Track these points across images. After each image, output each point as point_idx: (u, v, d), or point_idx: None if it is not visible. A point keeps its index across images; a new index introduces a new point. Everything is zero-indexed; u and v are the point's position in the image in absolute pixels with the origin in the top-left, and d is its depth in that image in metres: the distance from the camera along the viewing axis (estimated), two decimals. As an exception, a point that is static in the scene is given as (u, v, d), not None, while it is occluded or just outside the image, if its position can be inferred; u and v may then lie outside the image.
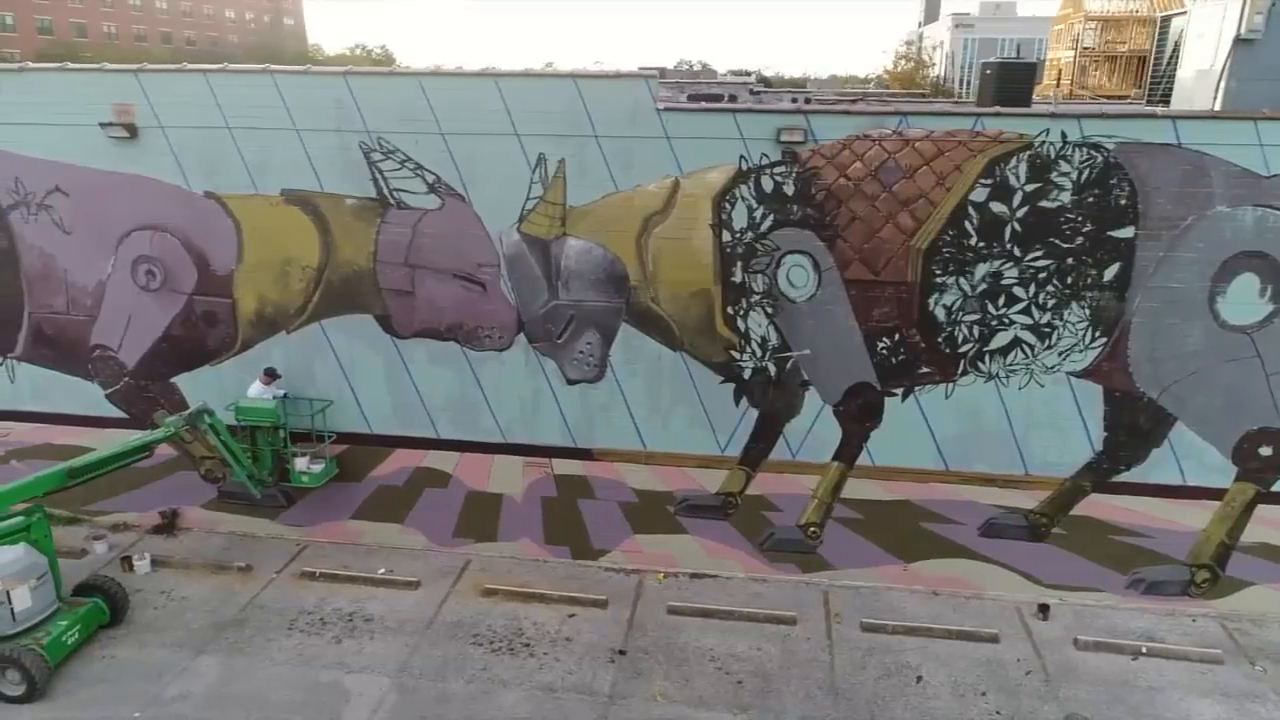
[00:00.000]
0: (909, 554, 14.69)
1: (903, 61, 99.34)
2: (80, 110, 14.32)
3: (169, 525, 16.38)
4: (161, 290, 15.11)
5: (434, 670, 12.82)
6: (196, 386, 15.53)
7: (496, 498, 15.47)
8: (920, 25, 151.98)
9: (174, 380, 15.61)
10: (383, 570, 15.19)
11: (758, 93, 29.26)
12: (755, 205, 13.40)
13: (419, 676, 12.69)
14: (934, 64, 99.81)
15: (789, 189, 13.27)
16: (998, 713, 12.11)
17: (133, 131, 14.27)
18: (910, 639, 13.62)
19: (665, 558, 15.28)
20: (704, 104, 14.18)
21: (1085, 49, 75.04)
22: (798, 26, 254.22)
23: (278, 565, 15.42)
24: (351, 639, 13.51)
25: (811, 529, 14.79)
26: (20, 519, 12.56)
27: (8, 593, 12.18)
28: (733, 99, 26.14)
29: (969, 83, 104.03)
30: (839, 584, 14.89)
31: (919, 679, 12.74)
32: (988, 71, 19.79)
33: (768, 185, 13.30)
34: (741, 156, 13.24)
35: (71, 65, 14.59)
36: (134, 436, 13.62)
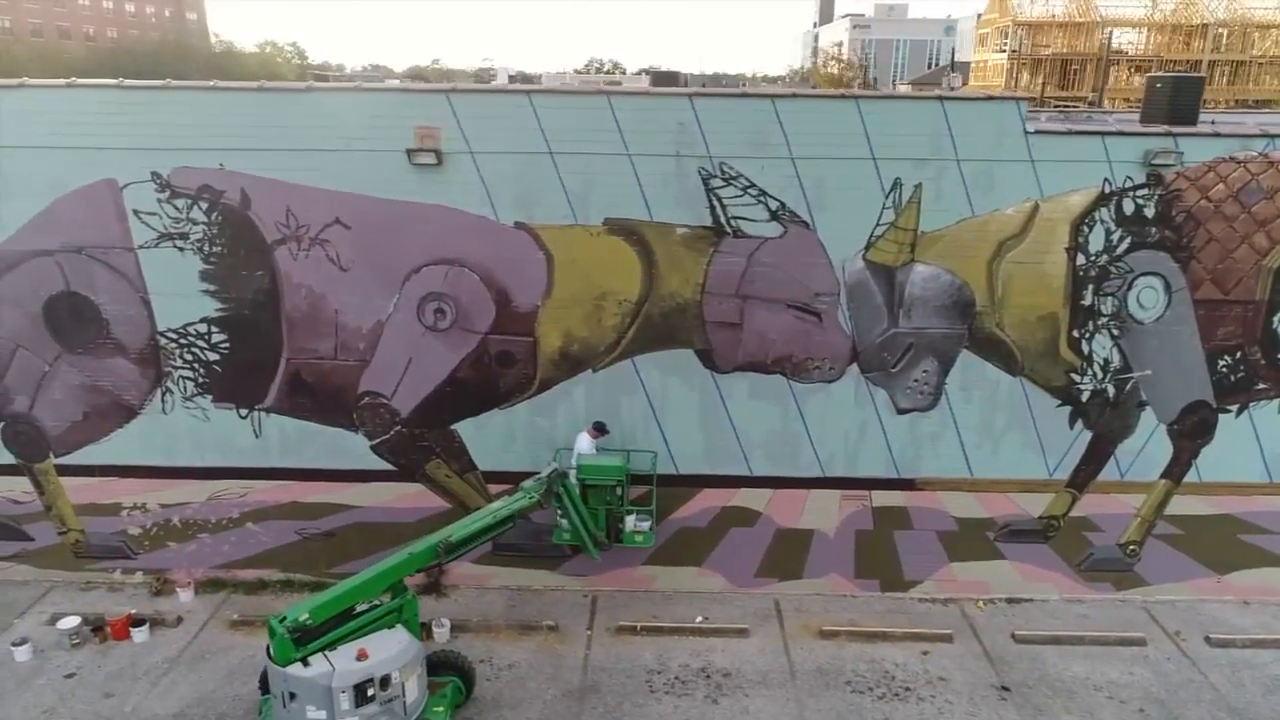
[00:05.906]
0: (1223, 566, 14.93)
1: (834, 62, 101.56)
2: (372, 133, 12.89)
3: (435, 584, 14.97)
4: (451, 330, 13.77)
5: (839, 725, 12.19)
6: (481, 433, 14.27)
7: (807, 534, 14.83)
8: (816, 25, 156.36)
9: (454, 427, 14.29)
10: (700, 619, 14.34)
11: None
12: (1114, 228, 13.29)
13: (829, 733, 12.04)
14: (864, 64, 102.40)
15: (1149, 211, 13.22)
16: (1396, 720, 12.46)
17: (440, 158, 12.92)
18: (1263, 651, 13.83)
19: (979, 584, 15.02)
20: (1073, 127, 13.93)
21: (1013, 52, 78.41)
22: (692, 23, 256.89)
23: (582, 621, 14.33)
24: (727, 697, 12.67)
25: (1131, 547, 14.83)
26: (394, 600, 11.22)
27: (403, 684, 10.82)
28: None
29: (875, 80, 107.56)
30: (1154, 599, 14.99)
31: (1302, 691, 12.97)
32: (1158, 85, 20.13)
33: (1129, 208, 13.22)
34: (1105, 179, 13.11)
35: (367, 85, 13.06)
36: (496, 505, 12.31)
